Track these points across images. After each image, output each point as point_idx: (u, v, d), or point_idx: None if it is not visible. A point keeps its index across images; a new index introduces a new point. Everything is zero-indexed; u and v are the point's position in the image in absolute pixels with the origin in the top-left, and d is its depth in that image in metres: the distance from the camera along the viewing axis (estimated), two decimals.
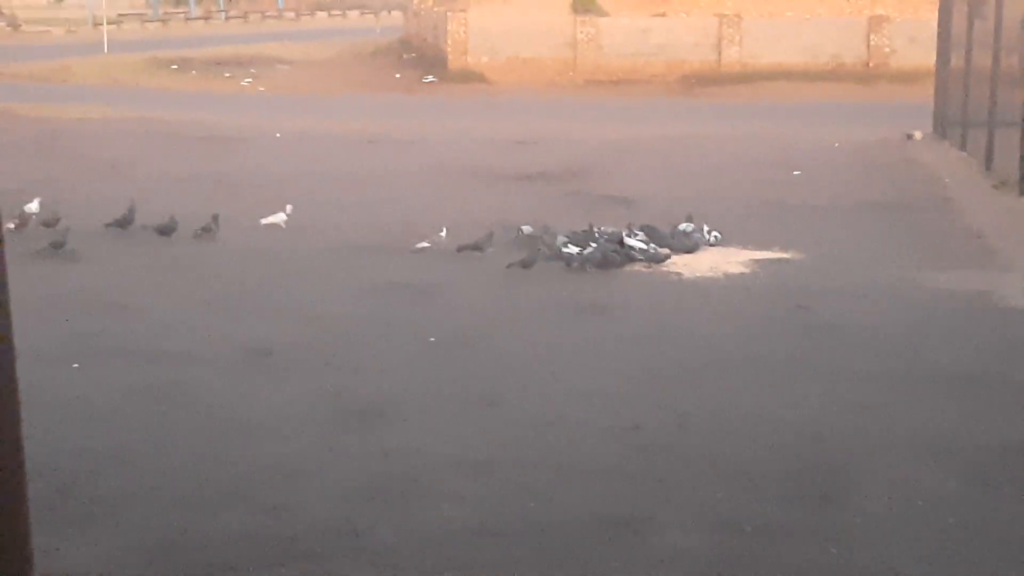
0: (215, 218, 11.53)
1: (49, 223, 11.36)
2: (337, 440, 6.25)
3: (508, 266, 10.13)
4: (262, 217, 11.88)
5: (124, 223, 11.64)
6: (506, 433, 6.35)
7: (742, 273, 10.25)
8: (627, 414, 6.59)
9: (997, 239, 11.39)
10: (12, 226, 11.32)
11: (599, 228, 10.93)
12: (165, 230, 11.41)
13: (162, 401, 6.87)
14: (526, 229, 11.27)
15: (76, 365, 7.56)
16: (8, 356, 3.30)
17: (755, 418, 6.54)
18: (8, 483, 3.34)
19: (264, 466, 5.89)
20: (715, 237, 11.24)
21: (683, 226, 11.29)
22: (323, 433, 6.36)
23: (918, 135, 19.17)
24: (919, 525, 5.20)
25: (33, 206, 11.74)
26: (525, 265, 10.10)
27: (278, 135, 19.52)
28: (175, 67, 31.79)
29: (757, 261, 10.67)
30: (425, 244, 10.90)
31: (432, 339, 8.11)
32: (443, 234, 10.93)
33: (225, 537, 5.09)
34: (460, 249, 10.66)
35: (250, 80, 30.30)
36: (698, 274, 10.20)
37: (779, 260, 10.71)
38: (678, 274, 10.22)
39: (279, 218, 11.80)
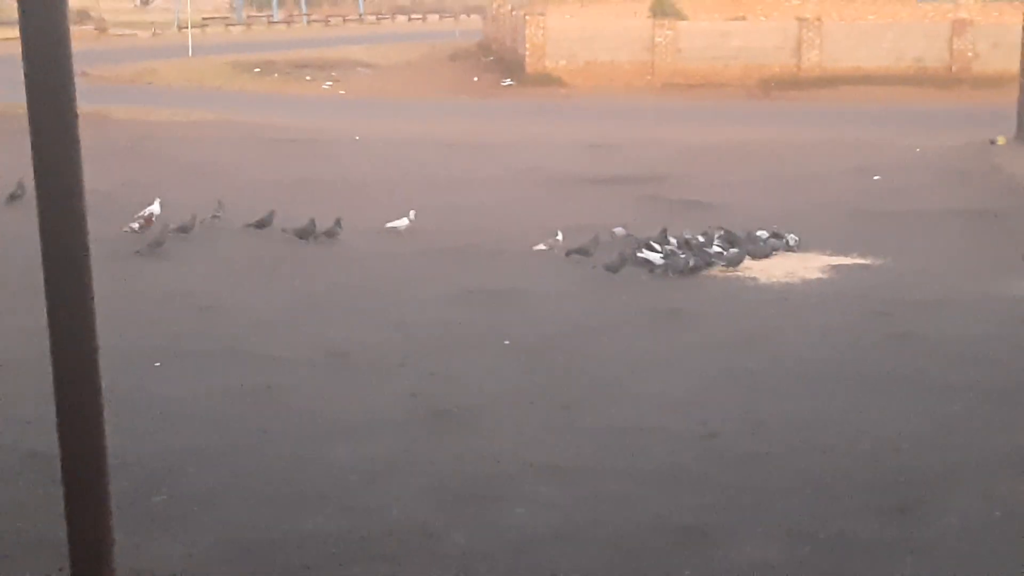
0: (338, 221, 11.76)
1: (186, 228, 11.59)
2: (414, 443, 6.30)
3: (593, 267, 10.21)
4: (386, 221, 11.96)
5: (262, 224, 11.81)
6: (581, 439, 6.36)
7: (820, 279, 10.16)
8: (702, 421, 6.56)
9: None
10: (136, 227, 11.58)
11: (671, 235, 10.96)
12: (303, 233, 11.52)
13: (250, 402, 6.97)
14: (618, 231, 11.36)
15: (157, 364, 7.70)
16: (92, 357, 3.38)
17: (831, 426, 6.48)
18: (89, 480, 3.41)
19: (342, 468, 5.96)
20: (793, 240, 11.16)
21: (759, 232, 11.23)
22: (401, 436, 6.42)
23: (1001, 140, 18.85)
24: (996, 537, 5.12)
25: (155, 207, 11.93)
26: (611, 269, 10.14)
27: (357, 138, 19.67)
28: (258, 70, 32.15)
29: (835, 267, 10.57)
30: (542, 247, 11.02)
31: (507, 342, 8.15)
32: (559, 237, 11.05)
33: (301, 537, 5.15)
34: (569, 254, 10.76)
35: (331, 83, 30.56)
36: (775, 279, 10.13)
37: (858, 266, 10.60)
38: (754, 279, 10.16)
39: (402, 223, 11.84)
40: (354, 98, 28.27)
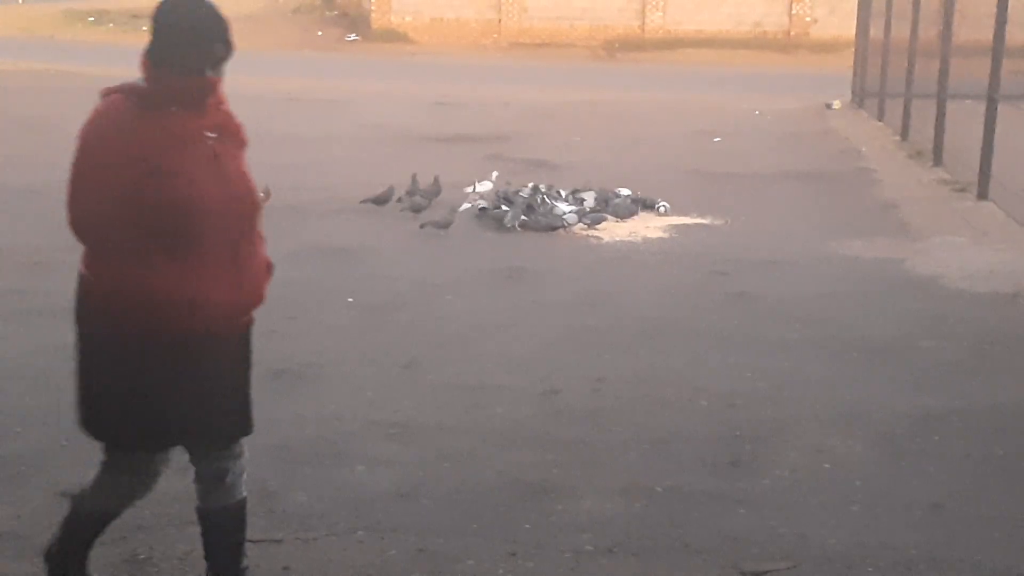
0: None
1: None
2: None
3: (422, 226, 10.13)
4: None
5: (380, 201, 11.01)
6: (423, 397, 6.36)
7: (661, 238, 10.33)
8: (544, 378, 6.62)
9: (910, 209, 11.60)
10: None
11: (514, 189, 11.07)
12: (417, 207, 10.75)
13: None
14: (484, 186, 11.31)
15: None
16: None
17: (669, 383, 6.61)
18: None
19: None
20: (664, 207, 11.17)
21: (622, 191, 11.29)
22: None
23: (837, 105, 19.41)
24: (826, 489, 5.30)
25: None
26: (440, 226, 10.08)
27: None
28: (92, 19, 31.18)
29: (676, 227, 10.75)
30: (471, 201, 10.92)
31: (350, 300, 8.10)
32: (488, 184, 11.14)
33: None
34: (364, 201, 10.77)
35: None
36: (617, 238, 10.26)
37: (698, 226, 10.80)
38: (598, 238, 10.27)
39: (485, 187, 11.39)
40: None
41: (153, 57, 3.81)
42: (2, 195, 11.27)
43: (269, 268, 4.10)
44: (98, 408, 3.99)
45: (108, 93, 3.88)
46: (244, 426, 4.12)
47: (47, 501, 5.01)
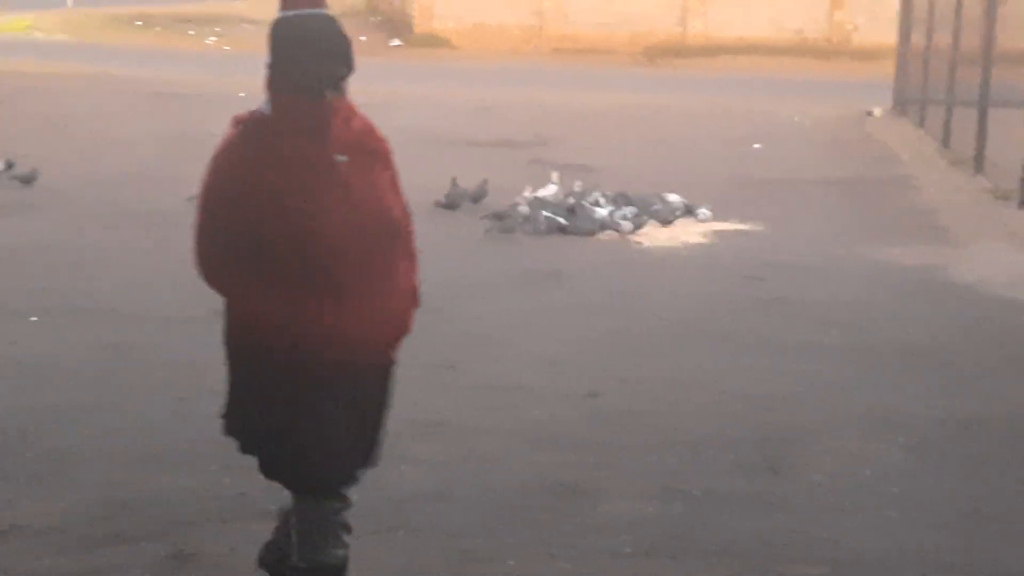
0: None
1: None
2: None
3: (487, 230, 10.21)
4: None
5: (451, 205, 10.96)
6: (463, 397, 6.41)
7: (700, 243, 10.35)
8: (582, 380, 6.66)
9: (950, 216, 11.55)
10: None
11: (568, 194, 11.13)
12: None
13: (122, 359, 6.89)
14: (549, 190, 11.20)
15: (34, 319, 7.57)
16: None
17: (706, 387, 6.63)
18: None
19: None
20: (704, 214, 11.16)
21: (670, 197, 11.29)
22: None
23: (878, 112, 19.31)
24: (862, 495, 5.31)
25: None
26: (505, 229, 10.20)
27: (242, 95, 19.39)
28: (139, 24, 31.44)
29: (715, 232, 10.76)
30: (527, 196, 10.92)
31: None
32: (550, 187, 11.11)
33: (181, 492, 5.13)
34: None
35: (214, 38, 30.03)
36: (657, 243, 10.28)
37: (736, 232, 10.81)
38: (638, 243, 10.30)
39: (550, 190, 11.29)
40: (238, 54, 27.84)
41: (273, 79, 3.68)
42: (48, 194, 11.42)
43: (414, 295, 3.89)
44: (253, 441, 3.97)
45: (237, 122, 3.77)
46: (372, 459, 3.97)
47: (91, 497, 5.09)
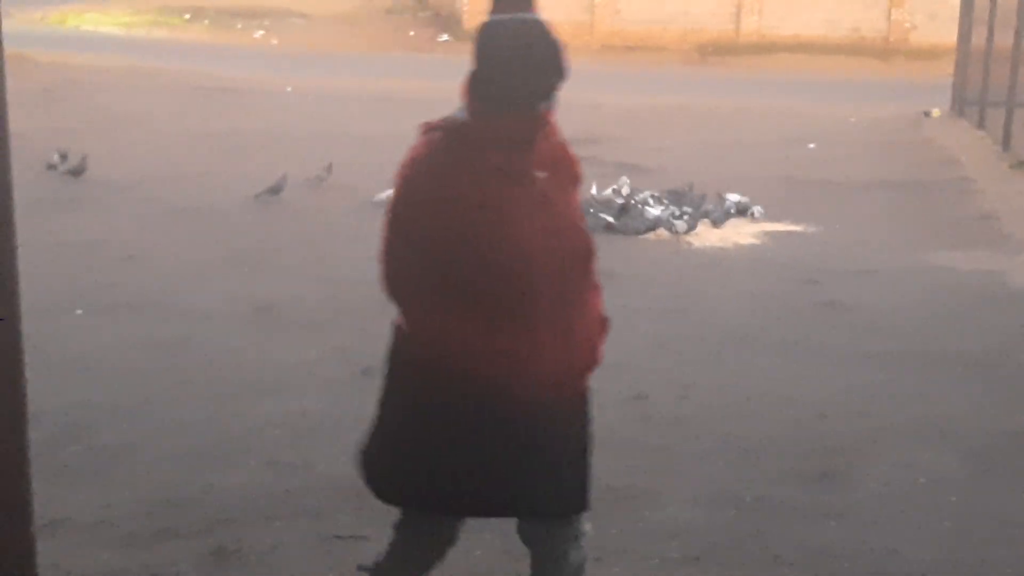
0: (329, 167, 11.77)
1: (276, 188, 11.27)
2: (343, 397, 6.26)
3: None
4: (313, 174, 11.80)
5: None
6: None
7: (752, 245, 10.22)
8: (632, 384, 6.58)
9: (1011, 220, 11.33)
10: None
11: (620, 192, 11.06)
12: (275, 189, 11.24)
13: (168, 356, 6.88)
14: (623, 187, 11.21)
15: (79, 312, 7.59)
16: (13, 307, 3.30)
17: (757, 392, 6.53)
18: (8, 429, 3.35)
19: (267, 422, 5.90)
20: (759, 212, 11.06)
21: (731, 197, 11.20)
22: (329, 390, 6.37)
23: (936, 113, 19.06)
24: (917, 505, 5.19)
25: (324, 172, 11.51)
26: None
27: (289, 90, 19.46)
28: (187, 17, 31.65)
29: (768, 233, 10.63)
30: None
31: None
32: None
33: (224, 490, 5.11)
34: None
35: (263, 33, 30.17)
36: (708, 244, 10.17)
37: (790, 233, 10.67)
38: (689, 243, 10.19)
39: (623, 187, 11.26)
40: (286, 49, 27.95)
41: (476, 88, 3.34)
42: (95, 190, 11.48)
43: (604, 324, 3.62)
44: (393, 464, 3.62)
45: (428, 129, 3.46)
46: (578, 502, 3.59)
47: (136, 493, 5.08)
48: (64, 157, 11.91)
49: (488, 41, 3.34)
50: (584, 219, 3.54)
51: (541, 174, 3.35)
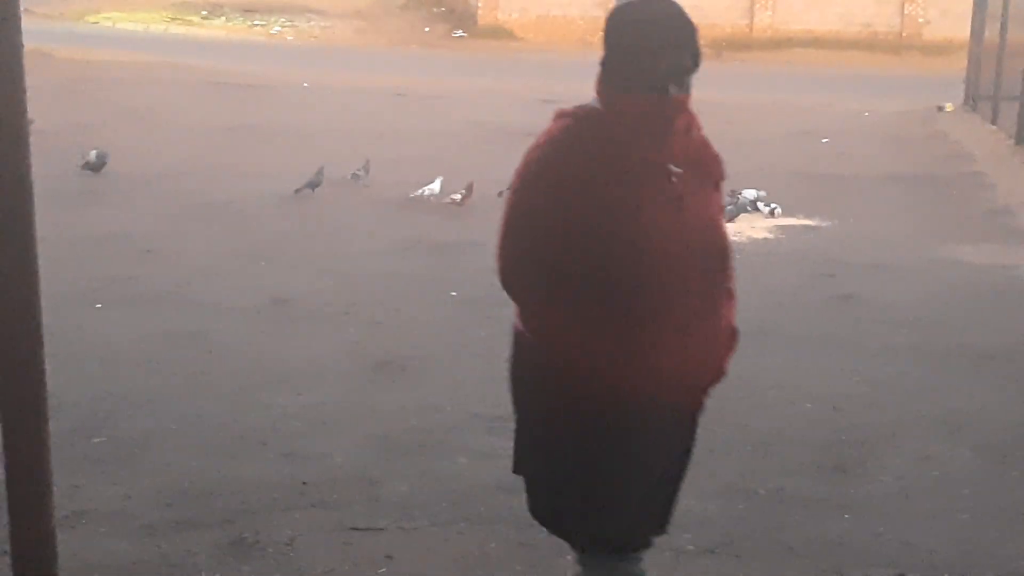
0: (366, 165, 11.76)
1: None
2: (358, 391, 6.29)
3: None
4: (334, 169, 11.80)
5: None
6: None
7: (766, 239, 10.23)
8: None
9: (1023, 215, 11.32)
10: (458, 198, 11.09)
11: None
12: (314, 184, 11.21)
13: (187, 348, 6.93)
14: None
15: (99, 305, 7.63)
16: (33, 299, 3.33)
17: (773, 385, 6.54)
18: (29, 420, 3.38)
19: (283, 415, 5.94)
20: (778, 210, 11.04)
21: (746, 192, 11.18)
22: (344, 384, 6.41)
23: (949, 107, 19.03)
24: (932, 498, 5.21)
25: (435, 186, 11.24)
26: None
27: (305, 85, 19.50)
28: (205, 13, 31.72)
29: (782, 227, 10.64)
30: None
31: (454, 294, 8.15)
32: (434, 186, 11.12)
33: (241, 482, 5.14)
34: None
35: (279, 29, 30.24)
36: None
37: (804, 227, 10.68)
38: None
39: (433, 188, 11.25)
40: (302, 45, 28.00)
41: (606, 75, 3.18)
42: (114, 183, 11.55)
43: (733, 335, 3.42)
44: (541, 490, 3.44)
45: (560, 116, 3.26)
46: (662, 527, 3.44)
47: (155, 484, 5.12)
48: (103, 157, 11.83)
49: (617, 25, 3.16)
50: (724, 222, 3.34)
51: (678, 169, 3.15)
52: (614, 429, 3.18)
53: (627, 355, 3.11)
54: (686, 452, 3.42)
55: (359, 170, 11.83)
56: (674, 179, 3.12)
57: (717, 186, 3.31)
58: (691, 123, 3.23)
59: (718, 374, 3.33)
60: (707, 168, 3.27)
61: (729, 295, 3.35)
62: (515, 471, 3.54)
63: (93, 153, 11.85)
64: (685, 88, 3.14)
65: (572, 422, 3.22)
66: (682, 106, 3.16)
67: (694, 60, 3.13)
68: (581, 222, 3.09)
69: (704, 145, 3.29)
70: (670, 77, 3.10)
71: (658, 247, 3.09)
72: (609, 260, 3.08)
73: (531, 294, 3.23)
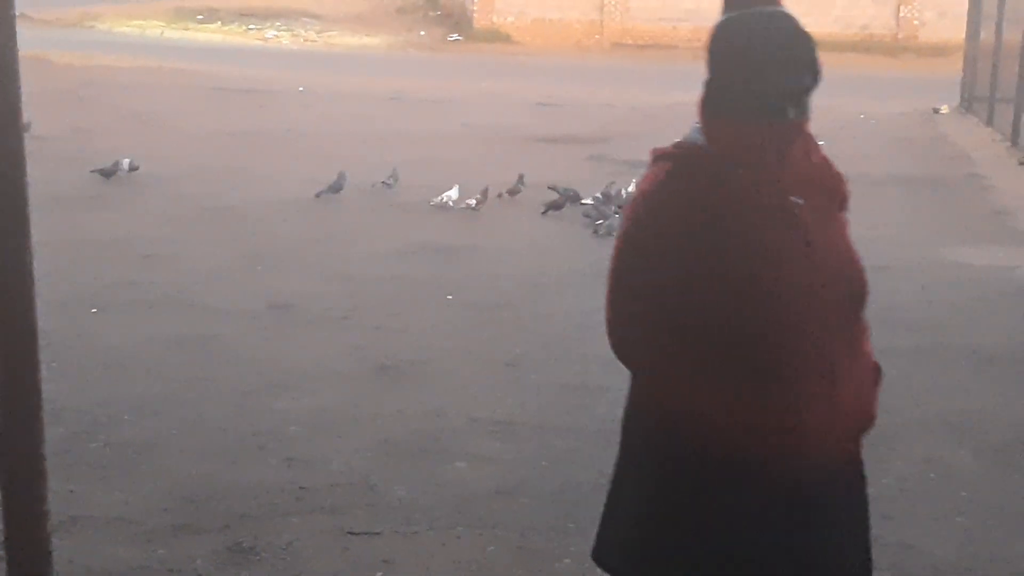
0: (394, 173, 11.72)
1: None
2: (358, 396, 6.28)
3: (595, 232, 10.17)
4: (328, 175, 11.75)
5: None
6: (526, 396, 6.36)
7: None
8: None
9: (1022, 216, 11.32)
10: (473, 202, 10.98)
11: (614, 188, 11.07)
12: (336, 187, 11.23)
13: (187, 353, 6.91)
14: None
15: (94, 310, 7.62)
16: (29, 302, 3.32)
17: None
18: (25, 426, 3.37)
19: (284, 419, 5.92)
20: None
21: None
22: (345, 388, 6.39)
23: (945, 109, 19.03)
24: (933, 500, 5.20)
25: (453, 192, 11.11)
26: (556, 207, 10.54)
27: (301, 89, 19.49)
28: (201, 17, 31.70)
29: None
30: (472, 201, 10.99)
31: (449, 297, 8.14)
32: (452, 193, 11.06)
33: (241, 486, 5.13)
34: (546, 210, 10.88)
35: (275, 33, 30.22)
36: None
37: None
38: None
39: (451, 194, 11.16)
40: (299, 49, 27.99)
41: (711, 100, 2.82)
42: (116, 188, 11.52)
43: (877, 373, 3.02)
44: (639, 548, 3.04)
45: (659, 156, 2.89)
46: (863, 573, 2.99)
47: (153, 489, 5.11)
48: (134, 166, 11.79)
49: (723, 42, 2.79)
50: (857, 252, 2.98)
51: (797, 200, 2.80)
52: (761, 503, 2.78)
53: (768, 420, 2.74)
54: (861, 499, 3.02)
55: (388, 179, 11.75)
56: (796, 211, 2.79)
57: (842, 207, 2.99)
58: (809, 146, 2.89)
59: (867, 420, 2.94)
60: (831, 192, 2.94)
61: (864, 329, 3.00)
62: (597, 558, 3.17)
63: (126, 161, 11.79)
64: (803, 110, 2.79)
65: (700, 484, 2.82)
66: (800, 131, 2.82)
67: (814, 78, 2.79)
68: (702, 276, 2.75)
69: (827, 166, 2.97)
70: (787, 99, 2.74)
71: (792, 290, 2.76)
72: (736, 311, 2.73)
73: (651, 364, 2.88)
